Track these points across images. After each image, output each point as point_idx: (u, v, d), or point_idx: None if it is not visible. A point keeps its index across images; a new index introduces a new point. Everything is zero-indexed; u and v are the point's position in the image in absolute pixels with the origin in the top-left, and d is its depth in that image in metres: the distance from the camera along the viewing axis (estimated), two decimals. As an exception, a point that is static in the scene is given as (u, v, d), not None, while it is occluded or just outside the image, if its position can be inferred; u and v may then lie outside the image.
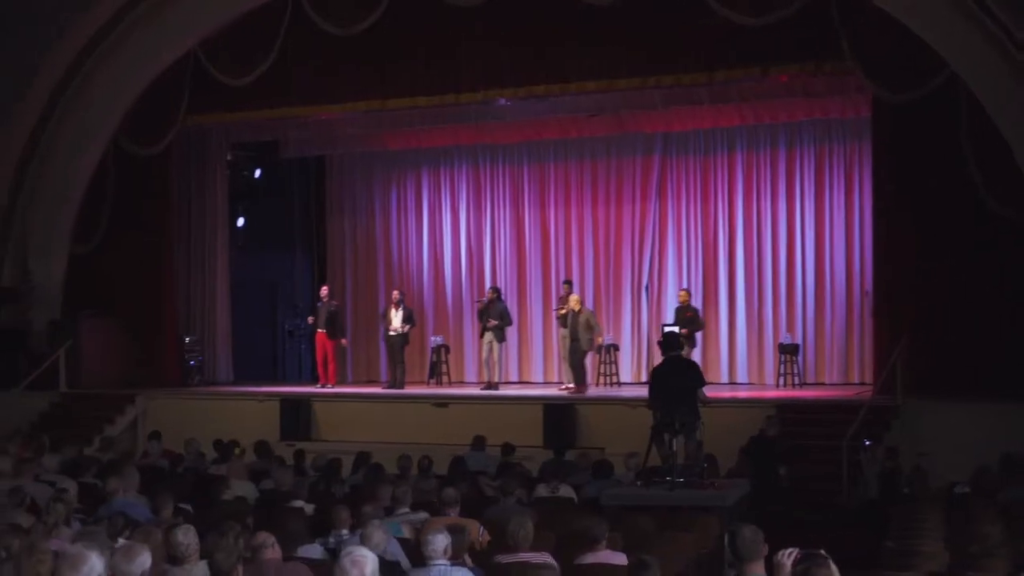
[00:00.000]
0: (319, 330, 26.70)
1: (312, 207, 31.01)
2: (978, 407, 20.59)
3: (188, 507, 14.43)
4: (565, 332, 25.00)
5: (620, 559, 11.53)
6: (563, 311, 25.08)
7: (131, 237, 27.43)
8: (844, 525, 16.27)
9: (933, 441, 20.08)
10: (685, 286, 26.50)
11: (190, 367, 27.87)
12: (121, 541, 9.96)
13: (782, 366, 25.65)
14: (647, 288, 27.81)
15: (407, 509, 13.74)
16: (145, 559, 8.41)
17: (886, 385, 21.90)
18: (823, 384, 25.96)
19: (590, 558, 11.62)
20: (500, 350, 25.70)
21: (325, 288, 27.37)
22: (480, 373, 26.14)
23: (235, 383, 28.05)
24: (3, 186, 27.09)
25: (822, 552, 7.36)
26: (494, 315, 25.17)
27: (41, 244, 27.41)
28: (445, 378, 27.70)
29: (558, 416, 23.00)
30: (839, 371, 26.24)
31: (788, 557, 7.45)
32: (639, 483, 16.27)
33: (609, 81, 24.07)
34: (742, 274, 27.13)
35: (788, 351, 25.67)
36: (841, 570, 12.83)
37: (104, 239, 27.46)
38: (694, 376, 16.47)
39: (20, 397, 25.95)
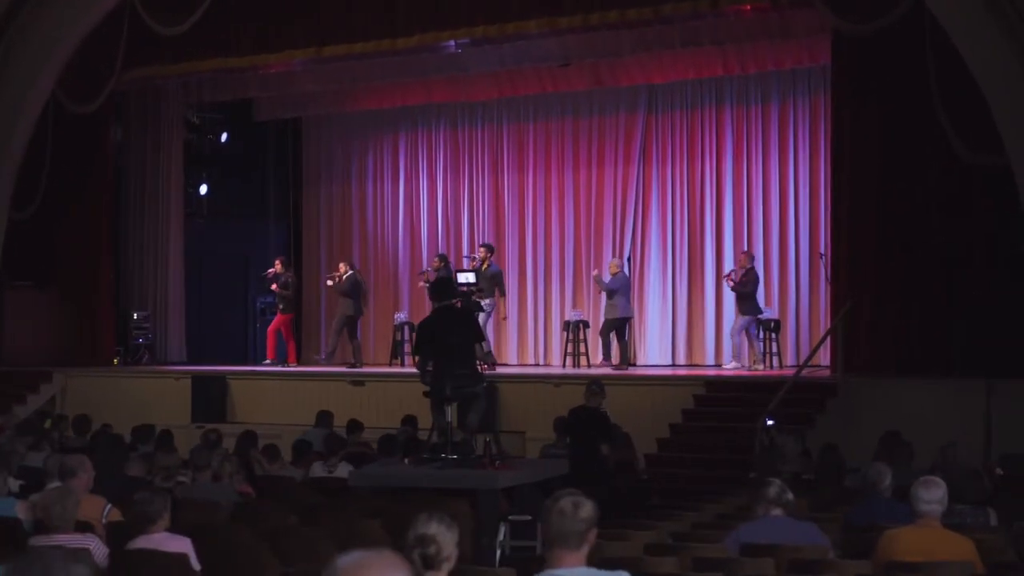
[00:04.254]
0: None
1: (289, 175, 28.65)
2: (933, 385, 17.92)
3: None
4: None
5: (180, 544, 9.02)
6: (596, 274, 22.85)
7: (71, 203, 25.41)
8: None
9: (872, 422, 17.00)
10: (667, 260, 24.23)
11: (137, 345, 25.75)
12: None
13: (760, 344, 22.56)
14: (629, 259, 24.93)
15: (58, 483, 11.42)
16: None
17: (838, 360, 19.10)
18: (817, 367, 22.72)
19: (141, 542, 9.09)
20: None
21: (279, 260, 24.97)
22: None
23: (189, 363, 25.79)
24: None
25: None
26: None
27: (-24, 212, 25.40)
28: (409, 359, 24.98)
29: (474, 396, 20.35)
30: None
31: None
32: (406, 460, 13.58)
33: (549, 19, 21.36)
34: (730, 243, 24.15)
35: (768, 328, 22.61)
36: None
37: (43, 205, 25.33)
38: (470, 328, 13.54)
39: (-62, 375, 23.99)
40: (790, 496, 9.17)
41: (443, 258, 23.46)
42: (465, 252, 25.08)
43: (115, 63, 24.50)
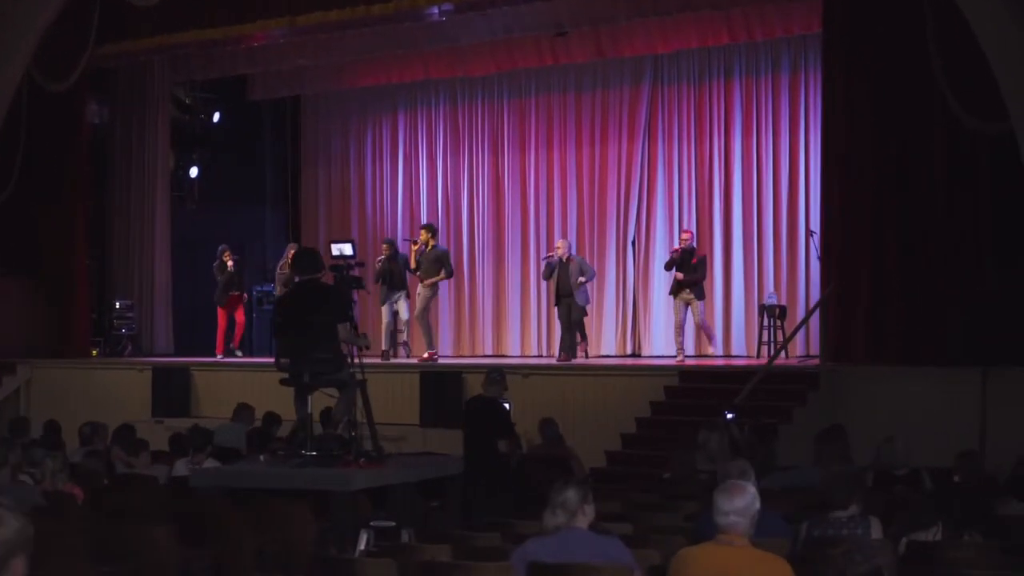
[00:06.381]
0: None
1: (286, 156, 27.21)
2: (924, 374, 16.12)
3: None
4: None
5: None
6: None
7: (47, 186, 23.88)
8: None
9: (856, 416, 15.23)
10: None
11: (119, 336, 24.38)
12: None
13: (765, 332, 20.75)
14: (633, 243, 23.31)
15: None
16: None
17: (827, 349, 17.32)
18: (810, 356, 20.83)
19: None
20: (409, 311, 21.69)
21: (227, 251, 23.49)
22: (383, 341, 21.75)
23: (178, 356, 24.32)
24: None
25: None
26: (398, 271, 21.10)
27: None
28: (402, 349, 23.21)
29: (438, 387, 18.84)
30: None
31: None
32: (262, 458, 12.01)
33: (527, -21, 19.86)
34: (739, 224, 22.40)
35: (773, 314, 20.75)
36: None
37: (17, 189, 23.90)
38: (333, 306, 11.75)
39: None
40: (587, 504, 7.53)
41: (390, 243, 21.95)
42: (404, 236, 23.51)
43: (88, 37, 23.17)
